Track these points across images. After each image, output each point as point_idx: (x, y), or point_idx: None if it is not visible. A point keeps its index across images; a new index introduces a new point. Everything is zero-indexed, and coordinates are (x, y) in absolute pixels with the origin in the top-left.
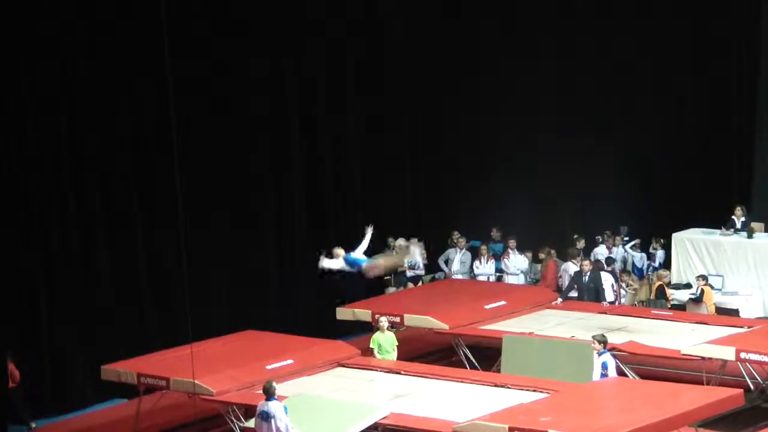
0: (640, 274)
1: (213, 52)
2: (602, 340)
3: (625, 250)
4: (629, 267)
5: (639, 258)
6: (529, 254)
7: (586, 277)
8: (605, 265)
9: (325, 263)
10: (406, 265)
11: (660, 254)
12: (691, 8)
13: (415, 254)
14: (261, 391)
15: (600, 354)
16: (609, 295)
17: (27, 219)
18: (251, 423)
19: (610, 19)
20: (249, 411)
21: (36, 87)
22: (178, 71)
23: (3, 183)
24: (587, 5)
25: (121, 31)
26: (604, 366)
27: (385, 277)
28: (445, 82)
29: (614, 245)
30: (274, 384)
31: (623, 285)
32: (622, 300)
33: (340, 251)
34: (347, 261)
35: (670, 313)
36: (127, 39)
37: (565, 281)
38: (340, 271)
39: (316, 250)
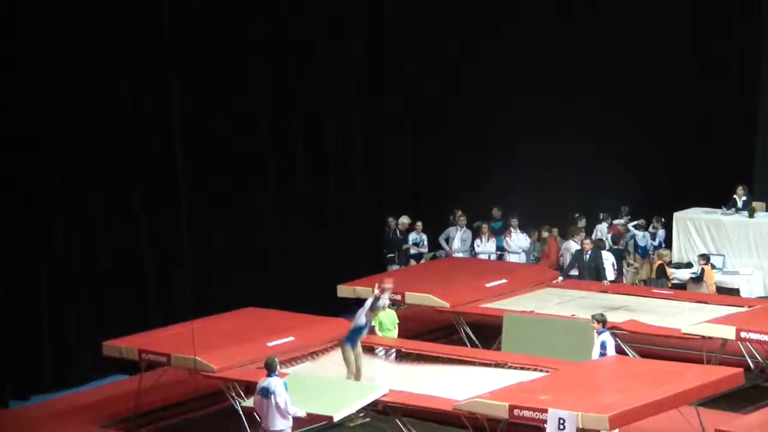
0: (644, 252)
1: (214, 44)
2: (601, 320)
3: (628, 229)
4: (630, 247)
5: (642, 236)
6: (534, 233)
7: (587, 256)
8: (608, 244)
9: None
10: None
11: (661, 233)
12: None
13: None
14: (263, 367)
15: (599, 333)
16: (610, 274)
17: (28, 193)
18: (251, 402)
19: (609, 5)
20: (249, 388)
21: (39, 80)
22: (181, 66)
23: (4, 164)
24: None
25: (121, 24)
26: (603, 345)
27: (389, 255)
28: (449, 62)
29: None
30: (276, 360)
31: (624, 264)
32: (624, 279)
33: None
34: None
35: (670, 292)
36: (127, 31)
37: (567, 260)
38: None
39: None
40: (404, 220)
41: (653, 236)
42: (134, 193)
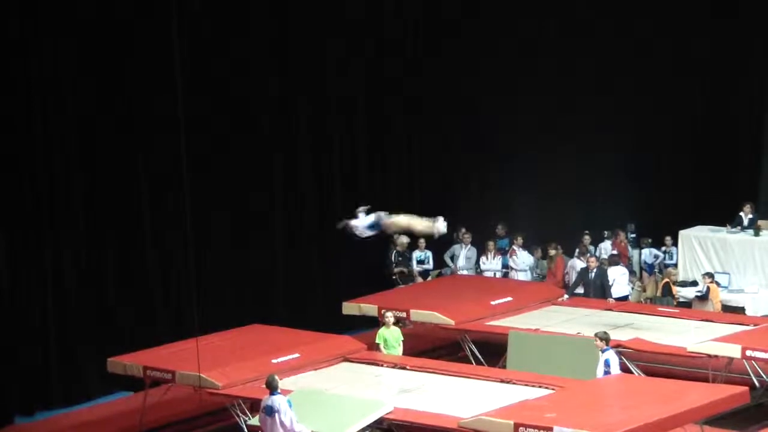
0: (650, 270)
1: (224, 48)
2: (604, 337)
3: (637, 246)
4: (634, 265)
5: (648, 254)
6: (539, 250)
7: (593, 274)
8: (616, 261)
9: (353, 222)
10: (431, 230)
11: (673, 251)
12: (703, 9)
13: (440, 223)
14: (264, 386)
15: (603, 351)
16: (624, 289)
17: (35, 214)
18: (257, 420)
19: (610, 20)
20: (255, 405)
21: (44, 85)
22: (190, 72)
23: (12, 179)
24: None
25: (131, 30)
26: (607, 363)
27: (393, 275)
28: (453, 81)
29: (623, 241)
30: (277, 378)
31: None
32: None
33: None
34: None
35: (676, 310)
36: (137, 36)
37: (572, 278)
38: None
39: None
40: (403, 240)
41: (666, 254)
42: (142, 211)
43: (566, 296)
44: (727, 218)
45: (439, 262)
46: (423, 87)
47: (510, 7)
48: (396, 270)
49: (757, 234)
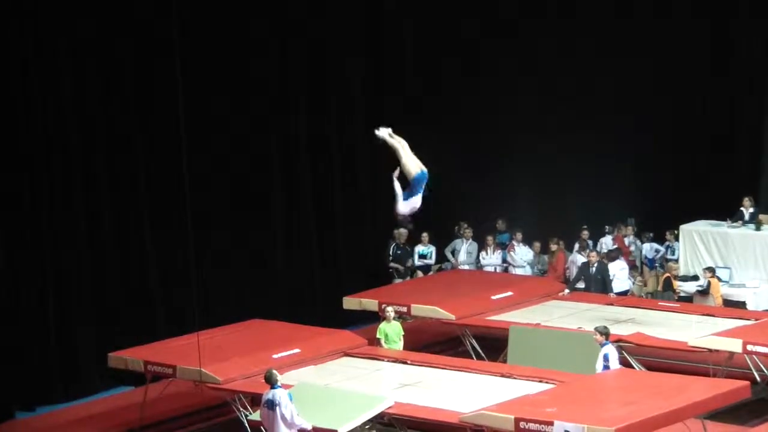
0: (651, 264)
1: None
2: (604, 332)
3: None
4: (636, 259)
5: (649, 249)
6: (538, 245)
7: (594, 269)
8: (617, 255)
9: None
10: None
11: (674, 246)
12: (704, 9)
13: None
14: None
15: (602, 345)
16: (625, 284)
17: (34, 207)
18: (257, 415)
19: (610, 21)
20: (255, 399)
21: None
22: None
23: (12, 179)
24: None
25: (130, 22)
26: (606, 357)
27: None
28: (455, 77)
29: (625, 235)
30: (275, 372)
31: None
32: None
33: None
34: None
35: (677, 305)
36: (135, 29)
37: (573, 272)
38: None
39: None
40: (403, 231)
41: (669, 249)
42: (141, 208)
43: (567, 291)
44: (728, 213)
45: (440, 257)
46: (423, 87)
47: (510, 6)
48: (392, 265)
49: (758, 228)
